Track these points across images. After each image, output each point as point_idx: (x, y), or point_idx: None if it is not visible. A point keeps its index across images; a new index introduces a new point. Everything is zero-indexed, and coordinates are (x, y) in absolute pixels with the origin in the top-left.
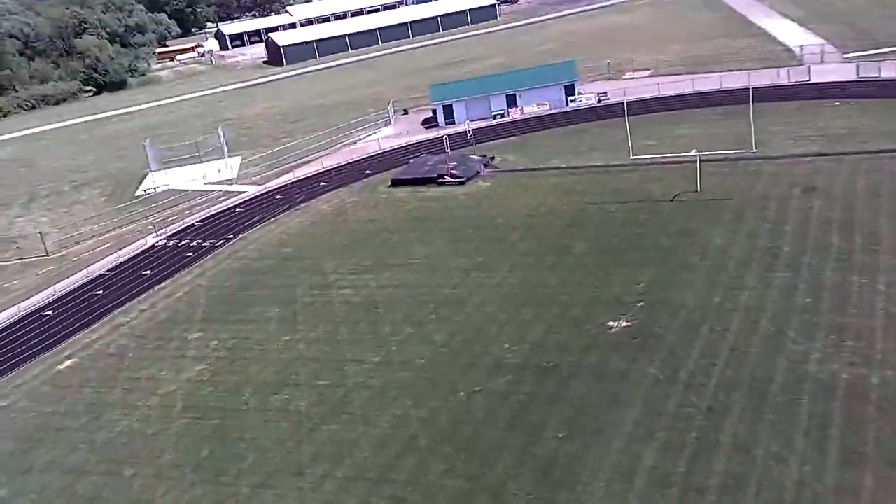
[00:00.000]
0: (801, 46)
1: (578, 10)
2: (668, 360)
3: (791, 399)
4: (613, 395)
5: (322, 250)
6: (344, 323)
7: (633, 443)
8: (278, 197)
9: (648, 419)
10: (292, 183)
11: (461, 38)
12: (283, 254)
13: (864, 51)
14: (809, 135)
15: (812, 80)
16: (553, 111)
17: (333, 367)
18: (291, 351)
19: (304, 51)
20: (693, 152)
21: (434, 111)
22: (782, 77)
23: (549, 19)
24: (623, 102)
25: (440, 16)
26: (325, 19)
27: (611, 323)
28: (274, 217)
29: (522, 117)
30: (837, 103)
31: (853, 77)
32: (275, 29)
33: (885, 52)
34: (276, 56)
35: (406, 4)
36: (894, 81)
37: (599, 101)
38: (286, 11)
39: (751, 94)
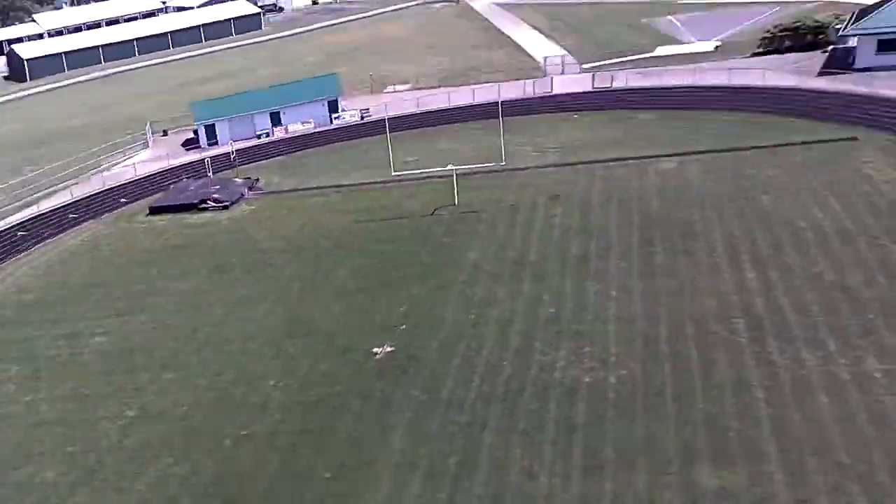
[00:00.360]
0: (545, 58)
1: (346, 19)
2: (429, 382)
3: (540, 407)
4: (380, 424)
5: (71, 293)
6: (95, 375)
7: (399, 472)
8: (20, 234)
9: (413, 444)
10: (36, 216)
11: (225, 49)
12: (24, 301)
13: (599, 61)
14: (552, 146)
15: (554, 92)
16: (318, 129)
17: (83, 427)
18: (33, 414)
19: (52, 64)
20: (449, 167)
21: (196, 131)
22: (528, 91)
23: (316, 29)
24: (385, 119)
25: (202, 25)
26: (77, 29)
27: (375, 349)
28: (14, 257)
29: (288, 136)
30: (576, 116)
31: (589, 88)
32: (19, 40)
33: (617, 62)
34: (19, 70)
35: (166, 12)
36: (625, 91)
37: (363, 117)
38: (32, 20)
39: (500, 108)
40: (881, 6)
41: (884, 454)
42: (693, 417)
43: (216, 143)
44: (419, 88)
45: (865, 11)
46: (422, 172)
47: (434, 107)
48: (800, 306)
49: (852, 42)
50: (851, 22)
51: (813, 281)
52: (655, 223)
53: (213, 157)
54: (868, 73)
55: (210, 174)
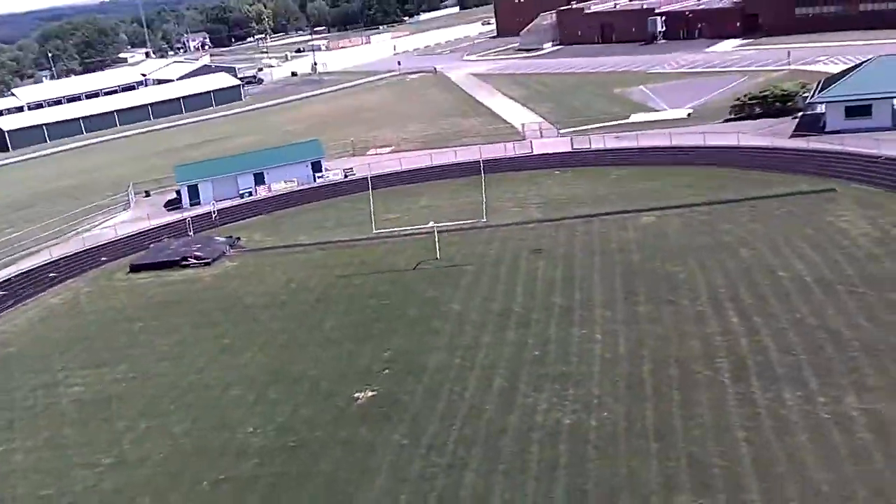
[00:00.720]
0: (523, 124)
1: (325, 90)
2: (412, 426)
3: (522, 448)
4: (361, 467)
5: (51, 346)
6: (71, 424)
7: None
8: (0, 293)
9: (394, 486)
10: (15, 276)
11: (207, 120)
12: (2, 354)
13: (575, 126)
14: (534, 202)
15: (534, 153)
16: (301, 188)
17: (57, 474)
18: (4, 464)
19: (33, 135)
20: (431, 224)
21: (178, 192)
22: (509, 151)
23: (295, 100)
24: (368, 177)
25: (183, 97)
26: (57, 102)
27: (357, 394)
28: None
29: (271, 195)
30: (557, 172)
31: (569, 149)
32: None
33: (593, 127)
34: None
35: (146, 85)
36: (603, 151)
37: (346, 176)
38: (12, 94)
39: (481, 167)
40: (846, 74)
41: (865, 490)
42: (676, 455)
43: (198, 203)
44: (401, 151)
45: (830, 80)
46: (404, 229)
47: (416, 166)
48: (783, 347)
49: (820, 109)
50: (818, 90)
51: (796, 325)
52: (638, 275)
53: (194, 217)
54: (837, 135)
55: (191, 233)
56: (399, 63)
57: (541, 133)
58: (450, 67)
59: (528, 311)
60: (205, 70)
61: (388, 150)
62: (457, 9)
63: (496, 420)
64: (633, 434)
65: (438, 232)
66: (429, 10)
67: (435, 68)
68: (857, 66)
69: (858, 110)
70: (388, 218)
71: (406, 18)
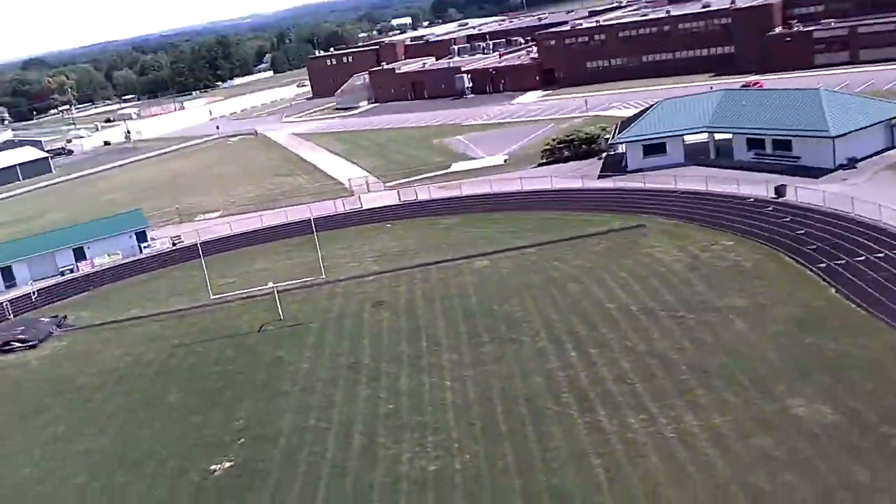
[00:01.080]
0: (350, 179)
1: (141, 157)
2: (275, 493)
3: (392, 501)
4: None
5: None
6: None
7: None
8: None
9: None
10: None
11: (15, 196)
12: None
13: (401, 178)
14: (370, 255)
15: (364, 207)
16: (127, 260)
17: None
18: None
19: None
20: (270, 285)
21: None
22: (339, 207)
23: (111, 169)
24: (198, 244)
25: None
26: None
27: (214, 467)
28: None
29: (94, 270)
30: (389, 225)
31: (397, 201)
32: None
33: (418, 178)
34: None
35: None
36: (430, 202)
37: (174, 244)
38: None
39: (313, 224)
40: (639, 117)
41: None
42: (538, 489)
43: (14, 284)
44: (230, 215)
45: (626, 122)
46: (243, 293)
47: (247, 228)
48: (619, 375)
49: (621, 149)
50: (617, 132)
51: (627, 353)
52: (479, 317)
53: (12, 300)
54: (639, 173)
55: (11, 316)
56: (218, 127)
57: (368, 187)
58: (270, 129)
59: (377, 363)
60: (9, 145)
61: (216, 214)
62: (270, 72)
63: (362, 476)
64: (496, 473)
65: (279, 292)
66: (242, 75)
67: (256, 130)
68: (647, 109)
69: (654, 148)
70: (224, 283)
71: (219, 83)
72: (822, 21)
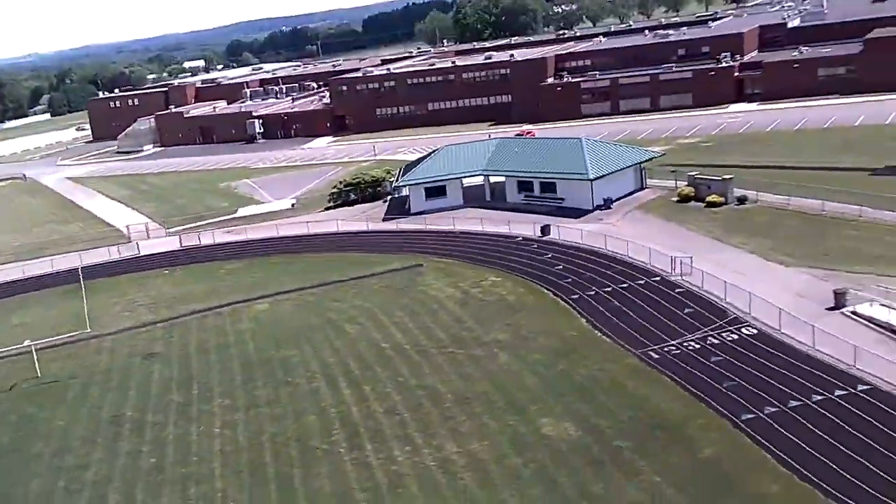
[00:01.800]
0: (128, 226)
1: None
2: None
3: None
4: None
5: None
6: None
7: None
8: None
9: None
10: None
11: None
12: None
13: (185, 224)
14: (144, 304)
15: (142, 254)
16: None
17: None
18: None
19: None
20: (26, 343)
21: None
22: (114, 254)
23: None
24: None
25: None
26: None
27: None
28: None
29: None
30: (167, 271)
31: (178, 247)
32: None
33: (203, 224)
34: None
35: None
36: (213, 247)
37: None
38: None
39: (80, 274)
40: (421, 161)
41: None
42: None
43: None
44: None
45: (409, 166)
46: None
47: (4, 280)
48: (390, 408)
49: (406, 192)
50: (401, 175)
51: (399, 387)
52: (255, 363)
53: None
54: (421, 215)
55: None
56: None
57: (148, 233)
58: (43, 173)
59: (142, 416)
60: None
61: None
62: (48, 115)
63: None
64: None
65: (38, 350)
66: (15, 118)
67: (24, 174)
68: (429, 154)
69: (436, 191)
70: None
71: None
72: (588, 73)
